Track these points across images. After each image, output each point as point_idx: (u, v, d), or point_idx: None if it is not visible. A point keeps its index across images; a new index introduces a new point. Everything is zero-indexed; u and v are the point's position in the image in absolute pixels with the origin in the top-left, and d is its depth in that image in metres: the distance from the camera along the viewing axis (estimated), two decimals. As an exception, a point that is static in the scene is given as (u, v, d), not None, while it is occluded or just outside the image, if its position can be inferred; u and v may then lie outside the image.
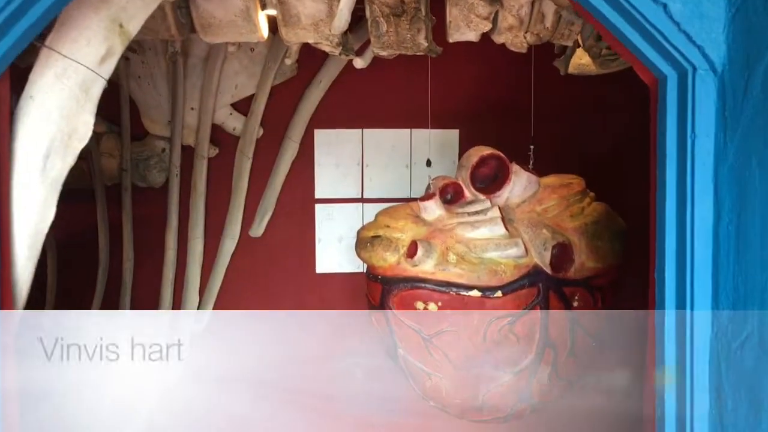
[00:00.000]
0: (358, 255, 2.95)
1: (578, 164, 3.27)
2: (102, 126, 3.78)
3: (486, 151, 2.94)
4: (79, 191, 3.76)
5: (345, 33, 2.54)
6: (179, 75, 3.51)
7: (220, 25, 2.34)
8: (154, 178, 3.77)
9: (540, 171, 3.03)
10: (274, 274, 3.95)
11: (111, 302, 3.82)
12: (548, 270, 2.76)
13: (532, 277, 2.74)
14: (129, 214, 3.80)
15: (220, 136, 3.86)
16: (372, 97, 3.87)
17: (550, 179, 3.01)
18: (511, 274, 2.73)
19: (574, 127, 3.81)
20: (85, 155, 3.68)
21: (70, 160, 1.63)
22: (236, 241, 3.88)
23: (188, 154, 3.82)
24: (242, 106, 3.84)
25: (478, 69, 3.85)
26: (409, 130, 3.90)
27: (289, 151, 3.83)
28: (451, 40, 2.69)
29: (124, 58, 3.61)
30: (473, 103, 3.87)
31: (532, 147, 3.09)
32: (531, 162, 3.06)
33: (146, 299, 3.87)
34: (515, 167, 2.93)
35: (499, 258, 2.73)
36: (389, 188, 3.91)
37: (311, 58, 3.67)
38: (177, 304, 3.86)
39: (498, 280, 2.72)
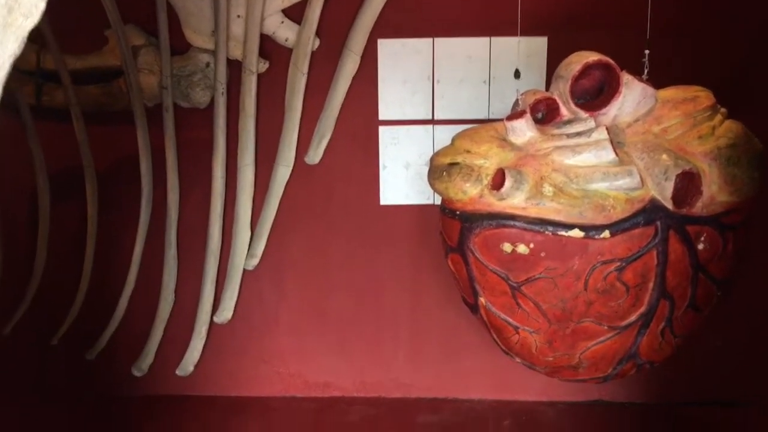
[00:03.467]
0: (432, 186, 2.50)
1: (700, 78, 2.70)
2: (140, 38, 3.41)
3: (592, 57, 2.41)
4: (117, 114, 3.44)
5: None
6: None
7: None
8: (198, 96, 3.37)
9: (656, 84, 2.47)
10: (333, 205, 3.57)
11: (156, 236, 3.55)
12: (669, 205, 2.26)
13: (648, 213, 2.25)
14: (172, 138, 3.45)
15: (270, 48, 3.42)
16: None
17: (670, 92, 2.46)
18: (623, 210, 2.24)
19: (693, 32, 3.19)
20: (121, 72, 3.32)
21: (15, 46, 1.14)
22: (290, 169, 3.49)
23: (235, 69, 3.41)
24: (295, 13, 3.37)
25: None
26: (488, 38, 3.35)
27: (349, 64, 3.36)
28: None
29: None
30: (566, 4, 3.27)
31: (647, 52, 2.52)
32: (645, 71, 2.52)
33: (193, 233, 3.58)
34: (627, 77, 2.40)
35: (608, 190, 2.25)
36: (465, 108, 3.41)
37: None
38: (227, 239, 3.54)
39: (605, 217, 2.23)
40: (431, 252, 3.44)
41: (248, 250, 3.53)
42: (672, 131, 2.36)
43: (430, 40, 3.36)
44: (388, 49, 3.38)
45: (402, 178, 3.49)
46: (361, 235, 3.55)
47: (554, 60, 3.19)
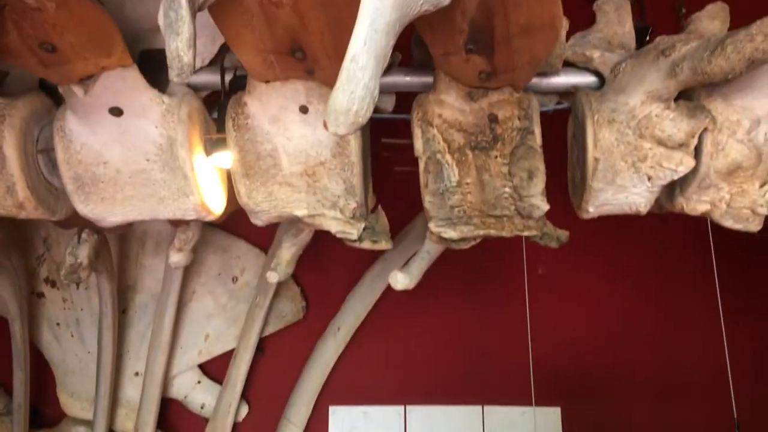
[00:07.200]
0: None
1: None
2: (-2, 401, 2.65)
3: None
4: None
5: (368, 197, 1.31)
6: (107, 315, 2.27)
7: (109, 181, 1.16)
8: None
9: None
10: None
11: None
12: None
13: None
14: None
15: (179, 417, 2.65)
16: (419, 354, 2.70)
17: None
18: None
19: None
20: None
21: None
22: None
23: (124, 449, 2.61)
24: (216, 369, 2.65)
25: (601, 294, 2.67)
26: (480, 407, 2.65)
27: (288, 441, 2.62)
28: (588, 212, 1.38)
29: (36, 295, 2.49)
30: (586, 362, 2.62)
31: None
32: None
33: None
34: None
35: None
36: (452, 507, 2.60)
37: (324, 290, 2.66)
38: None
39: None
40: None
41: None
42: None
43: (401, 408, 2.66)
44: (343, 419, 2.68)
45: None
46: None
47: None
